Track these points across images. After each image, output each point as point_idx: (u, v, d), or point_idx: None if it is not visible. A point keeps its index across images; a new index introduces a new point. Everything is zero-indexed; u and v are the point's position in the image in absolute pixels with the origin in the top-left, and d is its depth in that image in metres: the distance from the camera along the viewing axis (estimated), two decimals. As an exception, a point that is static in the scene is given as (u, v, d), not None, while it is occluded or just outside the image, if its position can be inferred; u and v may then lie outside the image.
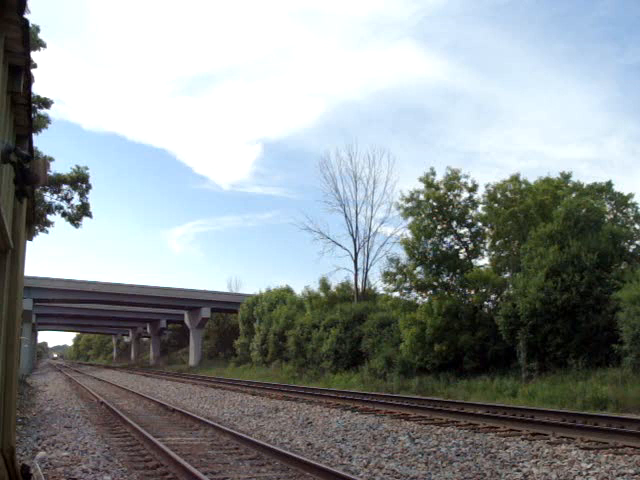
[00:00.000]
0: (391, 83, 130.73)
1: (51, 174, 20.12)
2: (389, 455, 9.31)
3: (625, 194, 26.61)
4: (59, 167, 27.13)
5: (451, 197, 26.93)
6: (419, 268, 26.62)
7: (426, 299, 26.59)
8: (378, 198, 39.82)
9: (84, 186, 21.36)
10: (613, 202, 26.78)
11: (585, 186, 26.98)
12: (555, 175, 27.95)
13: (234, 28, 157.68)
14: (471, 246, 27.69)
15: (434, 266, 26.30)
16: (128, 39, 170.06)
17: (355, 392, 21.42)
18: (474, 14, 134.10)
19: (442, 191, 26.87)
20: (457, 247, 27.63)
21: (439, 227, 27.06)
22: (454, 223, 27.18)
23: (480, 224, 27.36)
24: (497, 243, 27.96)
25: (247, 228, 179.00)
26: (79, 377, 43.06)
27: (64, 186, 21.10)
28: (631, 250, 23.64)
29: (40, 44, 17.52)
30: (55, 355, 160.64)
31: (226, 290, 68.26)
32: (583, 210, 22.48)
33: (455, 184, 26.96)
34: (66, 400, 21.27)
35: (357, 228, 38.99)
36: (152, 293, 57.93)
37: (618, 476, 7.35)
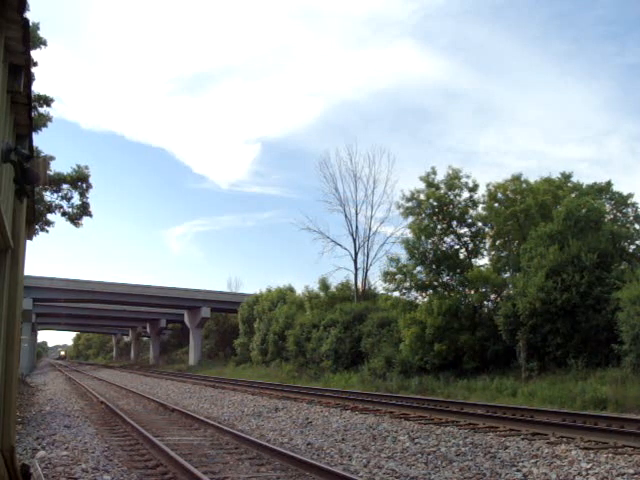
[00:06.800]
0: (391, 82, 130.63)
1: (51, 173, 20.11)
2: (389, 455, 9.31)
3: (625, 194, 26.64)
4: (58, 166, 27.14)
5: (451, 197, 26.93)
6: (419, 268, 26.61)
7: (426, 299, 26.58)
8: (378, 198, 39.85)
9: (84, 185, 21.34)
10: (613, 202, 26.79)
11: (585, 186, 26.99)
12: (556, 175, 28.02)
13: (233, 27, 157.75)
14: (471, 246, 27.70)
15: (434, 266, 26.30)
16: (126, 38, 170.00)
17: (355, 392, 21.42)
18: (474, 13, 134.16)
19: (442, 191, 26.87)
20: (457, 247, 27.64)
21: (439, 227, 27.05)
22: (454, 223, 27.17)
23: (480, 224, 27.36)
24: (497, 243, 27.98)
25: (246, 228, 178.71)
26: (79, 376, 43.06)
27: (64, 185, 21.08)
28: (631, 250, 23.65)
29: (40, 42, 17.52)
30: (62, 353, 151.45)
31: (226, 290, 68.32)
32: (583, 210, 22.48)
33: (456, 184, 26.94)
34: (66, 399, 21.27)
35: (357, 228, 39.07)
36: (152, 293, 57.91)
37: (618, 476, 7.35)
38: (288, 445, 10.45)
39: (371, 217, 38.79)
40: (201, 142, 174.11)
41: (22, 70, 4.64)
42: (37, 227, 19.84)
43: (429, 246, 26.54)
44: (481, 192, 27.32)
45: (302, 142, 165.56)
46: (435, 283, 26.43)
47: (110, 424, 13.75)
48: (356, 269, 38.67)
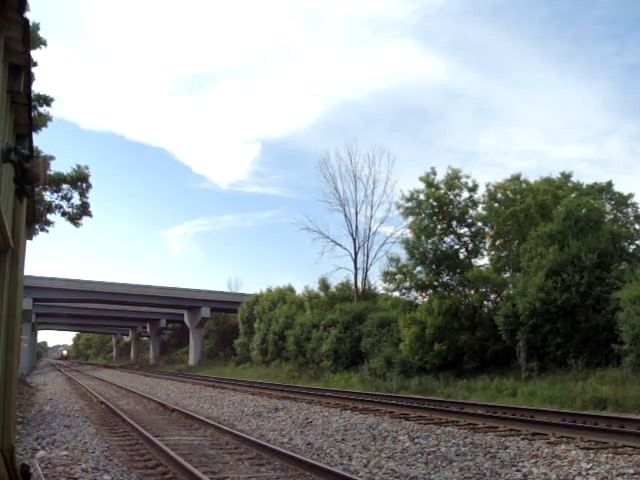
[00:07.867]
0: (391, 82, 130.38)
1: (51, 173, 20.12)
2: (389, 455, 9.31)
3: (625, 194, 26.65)
4: (58, 166, 27.19)
5: (451, 197, 26.94)
6: (419, 268, 26.62)
7: (426, 299, 26.59)
8: (378, 198, 39.90)
9: (84, 185, 21.36)
10: (613, 202, 26.79)
11: (585, 186, 27.00)
12: (556, 175, 28.02)
13: (233, 27, 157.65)
14: (471, 246, 27.70)
15: (434, 266, 26.30)
16: (126, 38, 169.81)
17: (355, 392, 21.42)
18: (474, 13, 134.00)
19: (442, 191, 26.87)
20: (457, 247, 27.64)
21: (439, 227, 27.05)
22: (454, 223, 27.18)
23: (480, 224, 27.37)
24: (497, 243, 27.98)
25: (246, 228, 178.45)
26: (79, 376, 43.07)
27: (64, 185, 21.09)
28: (631, 250, 23.65)
29: (40, 42, 17.54)
30: (64, 352, 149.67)
31: (226, 290, 68.33)
32: (583, 210, 22.48)
33: (455, 184, 26.95)
34: (66, 399, 21.27)
35: (357, 228, 39.10)
36: (152, 293, 57.92)
37: (618, 476, 7.34)
38: (288, 445, 10.45)
39: (371, 217, 38.87)
40: (201, 142, 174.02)
41: (22, 70, 4.64)
42: (37, 227, 19.85)
43: (429, 246, 26.54)
44: (481, 192, 27.38)
45: (302, 142, 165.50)
46: (435, 283, 26.43)
47: (110, 424, 13.75)
48: (356, 269, 38.74)
